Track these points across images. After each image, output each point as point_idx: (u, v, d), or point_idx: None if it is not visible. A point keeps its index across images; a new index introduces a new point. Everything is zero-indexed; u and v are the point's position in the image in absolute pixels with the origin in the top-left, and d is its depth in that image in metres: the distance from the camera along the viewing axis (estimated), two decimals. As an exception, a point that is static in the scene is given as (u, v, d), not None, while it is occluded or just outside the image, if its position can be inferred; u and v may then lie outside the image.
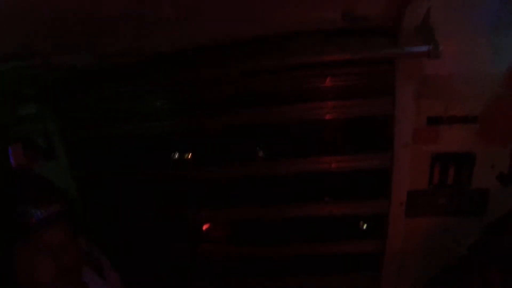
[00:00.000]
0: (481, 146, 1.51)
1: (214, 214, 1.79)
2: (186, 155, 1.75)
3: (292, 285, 1.90)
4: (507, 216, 1.59)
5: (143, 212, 1.85)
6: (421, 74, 1.47)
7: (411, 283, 1.77)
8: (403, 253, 1.69)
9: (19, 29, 1.15)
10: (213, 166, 1.69)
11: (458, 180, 1.57)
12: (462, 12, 1.44)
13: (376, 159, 1.51)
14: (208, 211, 1.78)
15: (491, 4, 1.44)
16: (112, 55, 1.45)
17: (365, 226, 1.69)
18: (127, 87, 1.62)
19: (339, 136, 1.53)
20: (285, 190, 1.62)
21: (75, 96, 1.77)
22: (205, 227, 1.86)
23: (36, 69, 1.46)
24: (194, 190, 1.77)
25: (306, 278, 1.85)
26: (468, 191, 1.59)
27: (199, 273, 1.94)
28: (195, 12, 1.20)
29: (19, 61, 1.38)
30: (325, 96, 1.47)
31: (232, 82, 1.53)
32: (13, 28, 1.13)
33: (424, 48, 1.41)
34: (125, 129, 1.76)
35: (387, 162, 1.49)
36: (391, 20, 1.39)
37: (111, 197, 1.88)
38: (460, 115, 1.47)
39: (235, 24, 1.32)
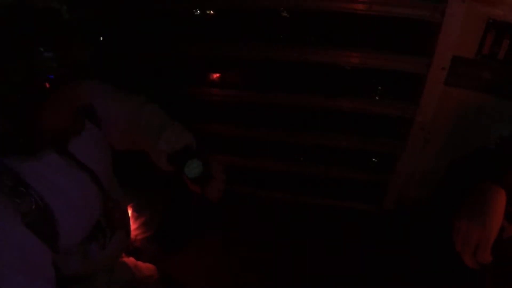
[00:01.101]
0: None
1: (229, 51, 1.74)
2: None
3: (311, 141, 1.96)
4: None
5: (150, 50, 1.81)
6: None
7: (434, 158, 1.78)
8: (433, 123, 1.69)
9: None
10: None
11: (510, 56, 1.51)
12: None
13: (426, 8, 1.49)
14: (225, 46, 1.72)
15: None
16: None
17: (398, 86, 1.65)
18: None
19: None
20: (309, 30, 1.62)
21: None
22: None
23: None
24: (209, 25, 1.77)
25: (327, 135, 1.91)
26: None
27: (210, 117, 1.99)
28: None
29: None
30: None
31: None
32: None
33: None
34: None
35: (437, 14, 1.47)
36: None
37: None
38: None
39: None
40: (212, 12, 1.83)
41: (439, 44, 1.53)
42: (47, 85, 0.82)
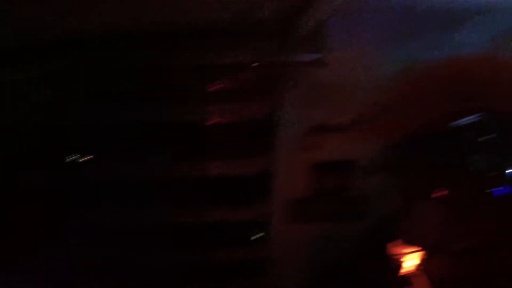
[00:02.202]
0: (362, 153, 1.58)
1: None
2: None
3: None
4: (386, 222, 1.69)
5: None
6: (308, 80, 1.45)
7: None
8: (286, 259, 1.70)
9: None
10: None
11: (338, 187, 1.61)
12: (356, 21, 1.46)
13: (256, 165, 1.50)
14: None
15: (388, 15, 1.47)
16: None
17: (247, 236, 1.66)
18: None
19: (218, 141, 1.47)
20: (154, 195, 1.53)
21: None
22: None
23: None
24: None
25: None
26: (348, 197, 1.64)
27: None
28: None
29: None
30: (204, 99, 1.40)
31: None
32: None
33: (314, 56, 1.42)
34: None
35: (267, 168, 1.49)
36: (283, 25, 1.37)
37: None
38: (345, 123, 1.51)
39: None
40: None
41: (274, 191, 1.53)
42: None
